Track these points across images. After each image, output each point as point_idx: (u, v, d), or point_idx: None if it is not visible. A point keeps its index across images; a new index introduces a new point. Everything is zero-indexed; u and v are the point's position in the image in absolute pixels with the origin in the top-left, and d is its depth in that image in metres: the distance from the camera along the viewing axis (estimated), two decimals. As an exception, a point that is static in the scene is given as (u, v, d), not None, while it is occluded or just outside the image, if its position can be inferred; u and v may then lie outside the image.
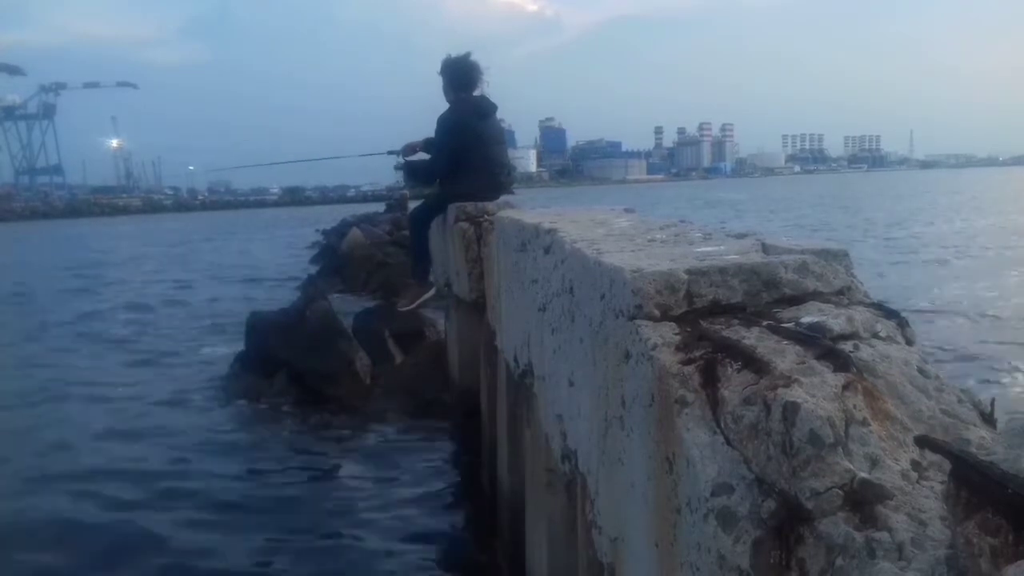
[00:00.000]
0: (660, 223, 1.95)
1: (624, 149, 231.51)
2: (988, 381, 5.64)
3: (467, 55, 5.29)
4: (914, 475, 0.74)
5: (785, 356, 0.88)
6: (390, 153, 5.59)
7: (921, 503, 0.70)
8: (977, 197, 38.73)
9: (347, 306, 8.11)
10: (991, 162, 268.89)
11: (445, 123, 5.16)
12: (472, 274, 4.02)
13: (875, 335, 0.97)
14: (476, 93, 5.29)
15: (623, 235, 1.72)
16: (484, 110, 5.27)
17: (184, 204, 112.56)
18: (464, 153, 5.07)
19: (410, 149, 5.51)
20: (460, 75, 5.24)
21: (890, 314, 1.04)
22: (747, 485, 0.79)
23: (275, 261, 19.26)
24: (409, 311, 5.79)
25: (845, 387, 0.80)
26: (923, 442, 0.73)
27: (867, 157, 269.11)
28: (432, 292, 5.53)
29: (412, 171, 5.52)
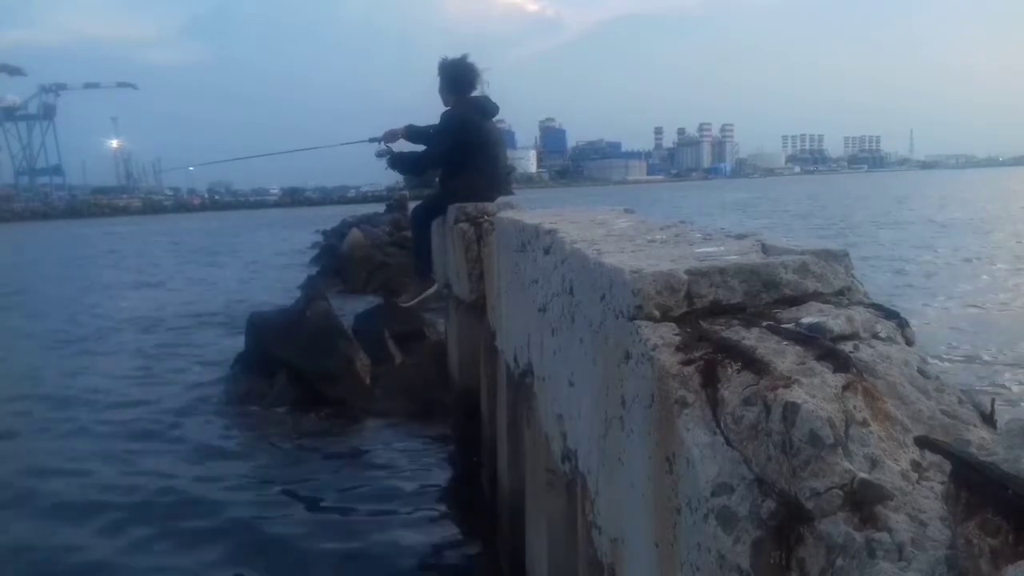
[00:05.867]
0: (660, 224, 1.95)
1: (624, 150, 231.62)
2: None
3: (464, 57, 5.30)
4: (914, 475, 0.74)
5: (785, 357, 0.88)
6: (371, 140, 5.58)
7: (921, 503, 0.70)
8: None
9: (347, 306, 8.11)
10: (991, 162, 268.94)
11: (451, 119, 5.16)
12: (472, 274, 4.02)
13: (875, 336, 0.97)
14: (475, 94, 5.30)
15: (623, 236, 1.72)
16: (487, 110, 5.28)
17: (184, 205, 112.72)
18: (467, 151, 5.08)
19: (391, 135, 5.50)
20: (458, 77, 5.25)
21: (890, 315, 1.04)
22: (747, 485, 0.79)
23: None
24: (411, 306, 5.79)
25: (845, 388, 0.80)
26: (923, 443, 0.73)
27: (867, 158, 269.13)
28: (434, 289, 5.53)
29: (400, 160, 5.50)
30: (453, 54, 5.33)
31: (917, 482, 0.73)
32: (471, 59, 5.31)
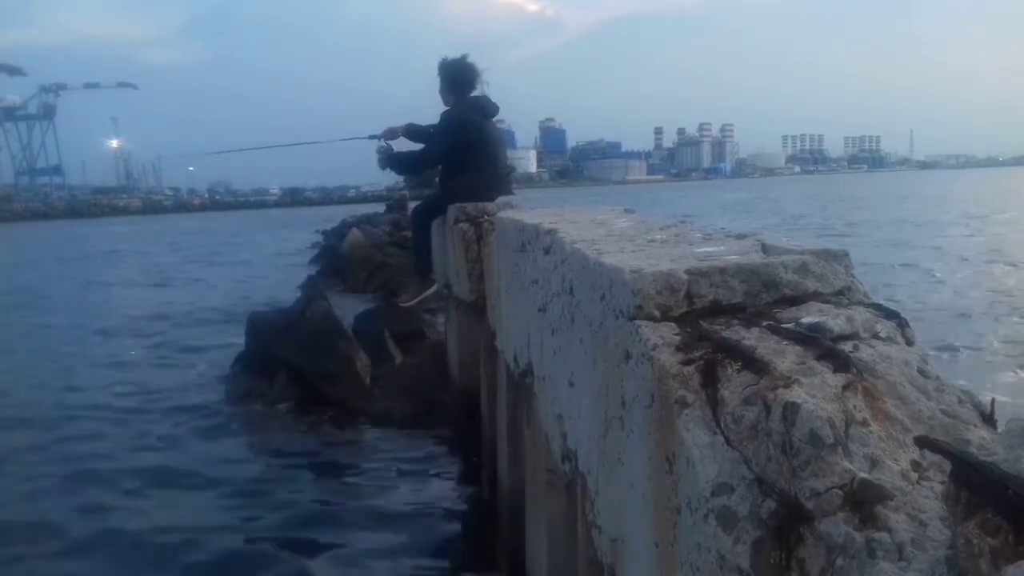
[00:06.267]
0: (660, 223, 1.95)
1: (624, 149, 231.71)
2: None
3: (464, 57, 5.31)
4: (914, 475, 0.74)
5: (785, 356, 0.88)
6: (371, 137, 5.59)
7: (921, 503, 0.70)
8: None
9: (347, 306, 8.11)
10: (991, 162, 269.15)
11: (451, 119, 5.17)
12: (472, 274, 4.02)
13: (875, 335, 0.97)
14: (475, 94, 5.31)
15: (623, 235, 1.72)
16: (487, 110, 5.29)
17: (184, 204, 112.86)
18: (467, 151, 5.08)
19: (391, 133, 5.51)
20: (458, 77, 5.26)
21: (890, 314, 1.04)
22: (747, 485, 0.79)
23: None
24: (411, 306, 5.80)
25: (845, 387, 0.80)
26: (923, 442, 0.73)
27: (867, 158, 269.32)
28: (434, 289, 5.54)
29: (398, 159, 5.50)
30: (453, 54, 5.35)
31: (917, 482, 0.73)
32: (471, 59, 5.32)
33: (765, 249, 1.26)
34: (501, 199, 4.39)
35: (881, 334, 0.98)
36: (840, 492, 0.70)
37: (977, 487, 0.59)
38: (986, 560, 0.56)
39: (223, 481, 4.39)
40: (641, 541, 1.12)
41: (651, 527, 1.06)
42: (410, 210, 7.48)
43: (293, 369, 5.67)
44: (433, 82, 5.36)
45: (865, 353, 0.92)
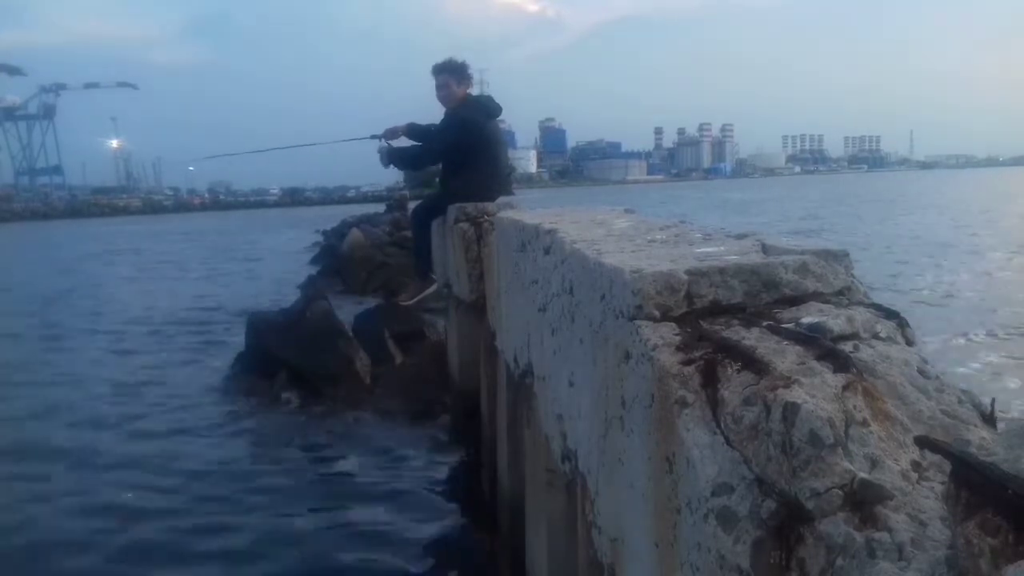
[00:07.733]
0: (660, 223, 1.95)
1: (624, 150, 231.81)
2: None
3: (452, 58, 5.36)
4: (914, 475, 0.74)
5: (785, 357, 0.88)
6: (373, 137, 5.61)
7: (921, 503, 0.70)
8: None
9: (347, 306, 8.11)
10: (991, 163, 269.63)
11: (454, 119, 5.19)
12: (472, 274, 4.02)
13: (875, 335, 0.97)
14: (476, 93, 5.33)
15: (623, 235, 1.72)
16: (491, 111, 5.31)
17: (184, 204, 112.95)
18: (469, 151, 5.10)
19: (392, 133, 5.54)
20: (458, 69, 5.30)
21: (890, 314, 1.04)
22: (747, 485, 0.79)
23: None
24: (411, 305, 5.81)
25: (845, 388, 0.80)
26: (923, 443, 0.73)
27: (867, 158, 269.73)
28: (434, 288, 5.55)
29: (401, 154, 5.52)
30: (446, 57, 5.40)
31: (917, 482, 0.73)
32: (462, 59, 5.37)
33: (765, 249, 1.26)
34: (501, 199, 4.40)
35: (881, 334, 0.98)
36: (840, 492, 0.70)
37: (977, 487, 0.59)
38: (986, 560, 0.56)
39: (221, 482, 4.39)
40: (641, 541, 1.12)
41: (651, 527, 1.06)
42: (410, 210, 7.49)
43: (293, 369, 5.67)
44: (432, 83, 5.38)
45: (865, 353, 0.92)
